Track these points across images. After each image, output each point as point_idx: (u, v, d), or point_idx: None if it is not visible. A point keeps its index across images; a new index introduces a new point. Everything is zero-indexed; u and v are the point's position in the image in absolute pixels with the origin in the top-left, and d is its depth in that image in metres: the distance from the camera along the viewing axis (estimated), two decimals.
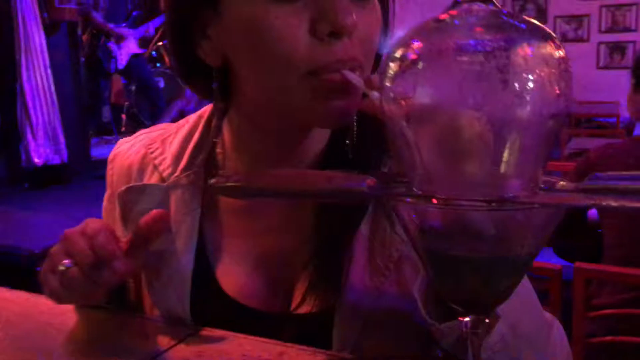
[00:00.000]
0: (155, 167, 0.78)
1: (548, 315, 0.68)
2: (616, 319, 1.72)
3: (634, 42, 6.10)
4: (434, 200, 0.39)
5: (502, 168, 0.39)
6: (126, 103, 6.31)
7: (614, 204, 0.36)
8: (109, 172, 0.82)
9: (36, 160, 3.80)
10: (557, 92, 0.38)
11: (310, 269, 0.70)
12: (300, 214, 0.73)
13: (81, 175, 4.43)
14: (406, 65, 0.39)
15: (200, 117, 0.80)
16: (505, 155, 0.39)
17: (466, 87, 0.37)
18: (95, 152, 5.06)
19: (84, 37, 5.02)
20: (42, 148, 3.86)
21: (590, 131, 4.92)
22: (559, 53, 0.39)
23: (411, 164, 0.42)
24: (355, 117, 0.67)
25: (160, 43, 6.05)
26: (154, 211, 0.66)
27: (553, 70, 0.38)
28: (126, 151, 0.81)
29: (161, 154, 0.78)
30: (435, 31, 0.40)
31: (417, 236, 0.43)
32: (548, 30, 0.40)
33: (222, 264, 0.74)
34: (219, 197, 0.77)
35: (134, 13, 5.66)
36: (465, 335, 0.45)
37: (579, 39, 6.04)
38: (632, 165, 1.78)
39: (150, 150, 0.79)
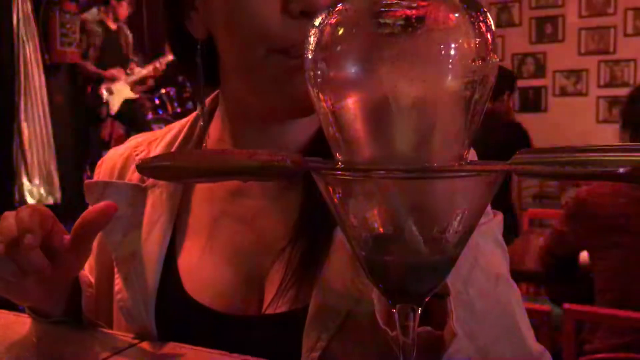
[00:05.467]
0: None
1: (537, 346, 0.62)
2: None
3: None
4: (336, 169, 0.37)
5: (425, 140, 0.37)
6: None
7: (530, 169, 0.34)
8: (95, 177, 0.82)
9: (29, 200, 3.78)
10: (479, 61, 0.36)
11: (283, 265, 0.67)
12: (280, 205, 0.71)
13: (76, 216, 4.39)
14: (324, 32, 0.38)
15: (188, 120, 0.80)
16: (426, 125, 0.37)
17: (381, 52, 0.36)
18: None
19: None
20: (35, 188, 3.85)
21: (588, 182, 4.91)
22: (484, 22, 0.37)
23: (334, 140, 0.40)
24: None
25: (164, 91, 6.08)
26: (102, 203, 0.64)
27: (476, 39, 0.36)
28: (113, 154, 0.82)
29: (145, 155, 0.77)
30: None
31: (342, 217, 0.40)
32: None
33: (191, 266, 0.71)
34: (198, 192, 0.75)
35: (130, 58, 5.64)
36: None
37: (578, 93, 6.09)
38: (622, 204, 1.76)
39: (135, 152, 0.79)
